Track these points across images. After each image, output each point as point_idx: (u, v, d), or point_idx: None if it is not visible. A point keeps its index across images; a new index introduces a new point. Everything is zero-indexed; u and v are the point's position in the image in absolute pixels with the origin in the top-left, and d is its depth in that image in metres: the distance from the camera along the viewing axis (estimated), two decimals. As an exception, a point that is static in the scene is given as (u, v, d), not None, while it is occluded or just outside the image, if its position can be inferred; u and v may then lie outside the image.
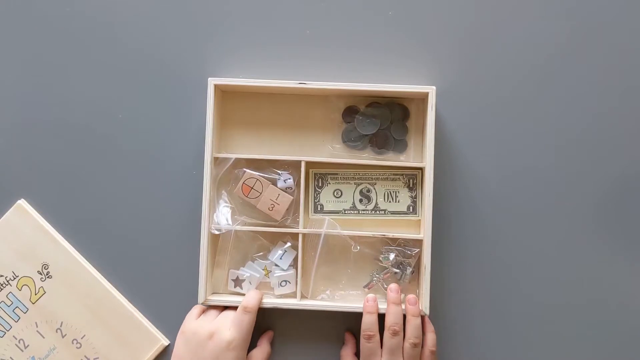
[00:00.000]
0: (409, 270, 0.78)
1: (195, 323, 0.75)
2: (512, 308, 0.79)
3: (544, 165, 0.80)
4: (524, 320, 0.79)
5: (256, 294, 0.76)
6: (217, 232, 0.77)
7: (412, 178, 0.79)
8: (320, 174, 0.79)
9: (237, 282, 0.79)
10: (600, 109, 0.80)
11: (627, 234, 0.80)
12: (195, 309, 0.78)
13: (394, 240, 0.79)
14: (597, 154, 0.80)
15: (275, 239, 0.80)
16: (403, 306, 0.75)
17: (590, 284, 0.79)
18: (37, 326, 0.80)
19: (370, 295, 0.76)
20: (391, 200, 0.79)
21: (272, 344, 0.80)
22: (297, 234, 0.77)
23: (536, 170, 0.80)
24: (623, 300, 0.79)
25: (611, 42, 0.80)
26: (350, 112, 0.80)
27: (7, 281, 0.80)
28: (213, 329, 0.73)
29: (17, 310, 0.80)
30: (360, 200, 0.79)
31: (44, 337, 0.79)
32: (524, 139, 0.80)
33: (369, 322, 0.74)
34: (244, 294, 0.78)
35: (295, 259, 0.78)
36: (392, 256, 0.78)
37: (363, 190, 0.79)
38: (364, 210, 0.79)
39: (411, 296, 0.75)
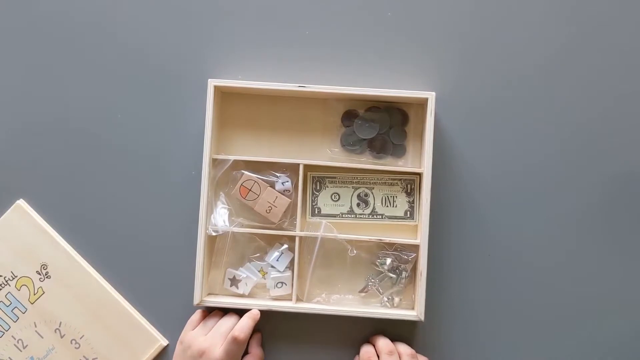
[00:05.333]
0: (404, 274, 0.78)
1: (191, 334, 0.76)
2: (509, 314, 0.79)
3: (544, 171, 0.80)
4: (522, 326, 0.79)
5: (249, 321, 0.75)
6: (214, 234, 0.78)
7: (410, 183, 0.79)
8: (318, 177, 0.79)
9: (234, 281, 0.80)
10: (602, 114, 0.79)
11: (629, 234, 0.80)
12: (196, 315, 0.78)
13: (391, 245, 0.79)
14: (600, 161, 0.79)
15: (272, 241, 0.80)
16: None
17: (592, 289, 0.79)
18: (35, 326, 0.80)
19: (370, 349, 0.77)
20: (389, 205, 0.79)
21: (265, 345, 0.80)
22: (294, 237, 0.78)
23: (536, 176, 0.80)
24: (629, 308, 0.79)
25: (610, 46, 0.80)
26: (349, 116, 0.79)
27: (6, 281, 0.80)
28: (204, 347, 0.73)
29: (15, 310, 0.80)
30: (358, 205, 0.79)
31: (42, 337, 0.80)
32: (523, 145, 0.80)
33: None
34: (240, 294, 0.79)
35: (292, 262, 0.78)
36: (388, 261, 0.78)
37: (361, 195, 0.79)
38: (361, 215, 0.79)
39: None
